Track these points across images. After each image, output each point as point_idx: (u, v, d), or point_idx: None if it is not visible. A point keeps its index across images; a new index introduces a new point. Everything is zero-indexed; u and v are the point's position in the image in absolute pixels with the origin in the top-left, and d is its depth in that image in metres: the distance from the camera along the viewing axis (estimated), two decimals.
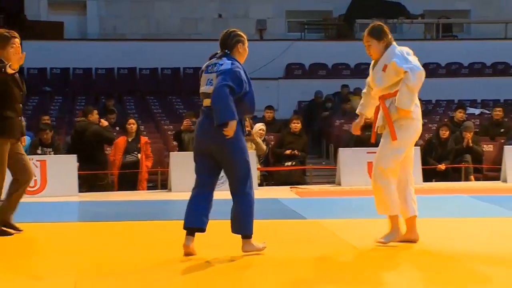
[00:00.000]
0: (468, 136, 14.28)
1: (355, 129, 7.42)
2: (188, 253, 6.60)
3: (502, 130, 15.31)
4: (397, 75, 7.03)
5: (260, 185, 13.34)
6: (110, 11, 24.53)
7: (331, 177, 14.11)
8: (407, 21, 23.88)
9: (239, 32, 6.90)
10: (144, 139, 13.84)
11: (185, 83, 22.10)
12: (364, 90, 7.46)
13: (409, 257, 6.77)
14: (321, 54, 22.61)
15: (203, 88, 6.67)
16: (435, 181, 13.97)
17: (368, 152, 13.36)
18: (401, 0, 24.33)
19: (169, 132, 16.18)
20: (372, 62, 7.27)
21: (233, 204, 6.72)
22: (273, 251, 6.91)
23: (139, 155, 13.49)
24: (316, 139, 17.75)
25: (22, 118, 8.07)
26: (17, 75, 7.73)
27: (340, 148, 13.68)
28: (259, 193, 12.27)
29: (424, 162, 13.75)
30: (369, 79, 7.34)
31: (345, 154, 13.43)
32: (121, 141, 13.41)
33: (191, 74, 22.08)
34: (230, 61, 6.64)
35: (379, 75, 7.12)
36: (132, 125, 13.65)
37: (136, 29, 24.27)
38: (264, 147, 13.78)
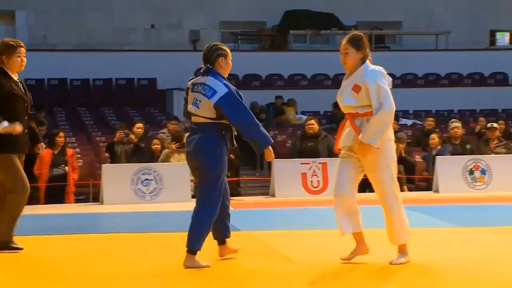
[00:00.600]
0: (401, 147, 14.42)
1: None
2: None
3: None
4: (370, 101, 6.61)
5: (194, 197, 13.27)
6: (40, 21, 24.21)
7: (265, 189, 14.12)
8: (340, 32, 24.07)
9: (221, 46, 6.94)
10: (70, 151, 13.68)
11: (117, 94, 21.89)
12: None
13: (342, 269, 6.78)
14: (255, 65, 22.64)
15: (190, 107, 6.75)
16: (369, 191, 14.06)
17: (302, 164, 13.45)
18: (334, 11, 24.53)
19: (101, 144, 16.00)
20: (346, 74, 6.91)
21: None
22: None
23: (66, 168, 13.32)
24: (251, 150, 17.70)
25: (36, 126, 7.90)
26: (21, 86, 7.56)
27: (274, 159, 13.68)
28: (192, 205, 12.20)
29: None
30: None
31: (279, 166, 13.46)
32: (46, 154, 13.15)
33: (124, 85, 21.89)
34: (218, 81, 6.70)
35: (348, 94, 6.74)
36: (62, 138, 13.51)
37: (67, 39, 23.98)
38: None
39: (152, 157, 13.77)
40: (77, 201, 13.37)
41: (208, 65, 6.79)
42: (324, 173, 13.33)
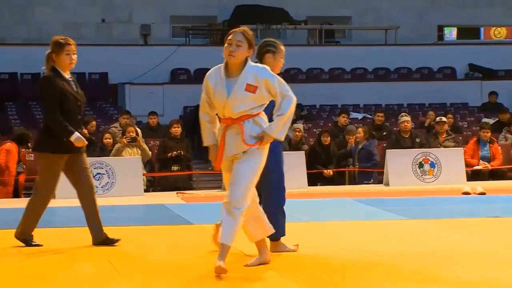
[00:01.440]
0: (351, 140, 14.53)
1: (217, 164, 6.40)
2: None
3: (384, 133, 15.66)
4: (269, 98, 6.16)
5: (146, 191, 13.24)
6: None
7: (217, 182, 14.10)
8: (290, 27, 24.13)
9: (272, 42, 6.93)
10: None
11: None
12: (205, 118, 6.37)
13: (288, 262, 6.81)
14: (206, 59, 22.45)
15: None
16: (320, 185, 14.15)
17: None
18: (285, 6, 24.57)
19: None
20: (222, 75, 6.16)
21: None
22: (159, 257, 6.84)
23: None
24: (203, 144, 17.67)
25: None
26: (73, 84, 7.37)
27: None
28: (145, 199, 12.18)
29: (310, 167, 13.90)
30: (212, 99, 6.21)
31: None
32: (14, 150, 13.18)
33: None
34: None
35: (242, 97, 6.07)
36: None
37: (16, 34, 23.69)
38: (149, 152, 13.77)
39: (104, 151, 13.70)
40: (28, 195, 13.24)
41: (256, 60, 6.74)
42: None
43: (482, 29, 26.56)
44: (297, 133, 14.69)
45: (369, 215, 10.05)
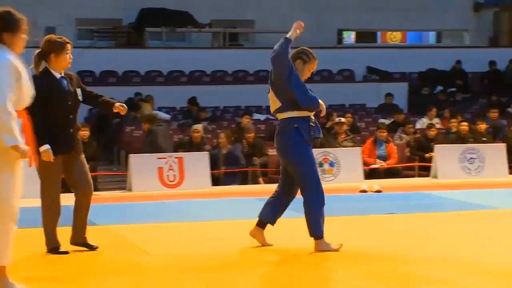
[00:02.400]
0: (249, 137, 14.58)
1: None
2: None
3: None
4: None
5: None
6: None
7: (122, 183, 14.01)
8: (195, 30, 24.11)
9: (306, 51, 7.26)
10: None
11: None
12: None
13: (198, 260, 6.83)
14: (111, 62, 22.38)
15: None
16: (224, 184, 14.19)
17: (158, 158, 13.44)
18: (189, 9, 24.53)
19: None
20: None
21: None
22: (65, 257, 6.78)
23: None
24: (108, 146, 17.54)
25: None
26: (65, 83, 7.07)
27: (130, 154, 13.62)
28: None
29: (214, 167, 13.94)
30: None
31: (136, 160, 13.39)
32: None
33: None
34: None
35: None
36: None
37: None
38: None
39: None
40: None
41: None
42: (180, 167, 13.36)
43: (379, 33, 27.15)
44: (196, 134, 14.60)
45: None
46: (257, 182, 14.18)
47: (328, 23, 25.59)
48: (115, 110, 7.35)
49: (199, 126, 15.18)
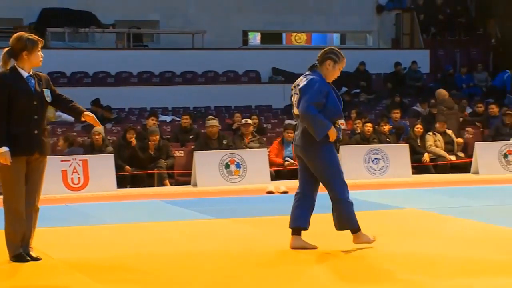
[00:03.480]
0: (154, 139, 14.49)
1: None
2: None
3: (191, 136, 15.78)
4: None
5: None
6: None
7: None
8: (98, 30, 23.82)
9: (336, 51, 7.23)
10: None
11: None
12: None
13: (102, 263, 6.75)
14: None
15: (294, 110, 7.21)
16: (130, 187, 14.08)
17: (62, 161, 13.23)
18: (93, 10, 24.22)
19: None
20: None
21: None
22: None
23: None
24: None
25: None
26: (33, 82, 6.75)
27: None
28: None
29: (118, 168, 13.81)
30: None
31: None
32: None
33: None
34: (310, 77, 7.14)
35: None
36: None
37: None
38: None
39: None
40: None
41: (316, 63, 7.17)
42: (85, 170, 13.19)
43: (284, 35, 27.37)
44: (97, 136, 14.39)
45: (178, 215, 10.12)
46: (163, 184, 14.10)
47: (233, 24, 25.66)
48: (83, 119, 7.17)
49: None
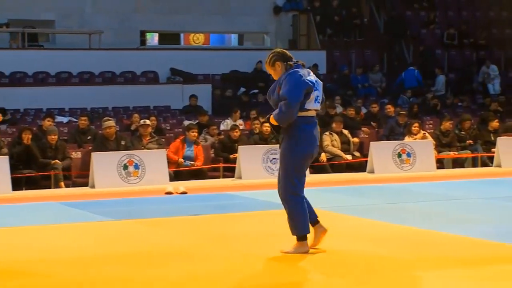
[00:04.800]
0: (52, 138, 14.28)
1: None
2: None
3: (89, 137, 15.60)
4: None
5: None
6: None
7: None
8: None
9: (281, 52, 7.23)
10: None
11: None
12: None
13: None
14: None
15: (315, 105, 7.12)
16: (25, 189, 13.82)
17: None
18: None
19: None
20: None
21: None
22: None
23: None
24: None
25: None
26: None
27: None
28: None
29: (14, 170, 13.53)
30: None
31: None
32: None
33: None
34: None
35: None
36: None
37: None
38: None
39: None
40: None
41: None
42: None
43: (182, 35, 27.35)
44: None
45: (76, 217, 9.99)
46: (59, 186, 13.88)
47: (130, 24, 25.49)
48: None
49: None
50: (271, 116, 7.04)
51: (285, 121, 6.97)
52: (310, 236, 7.06)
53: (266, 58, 7.25)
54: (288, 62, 7.14)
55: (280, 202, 7.08)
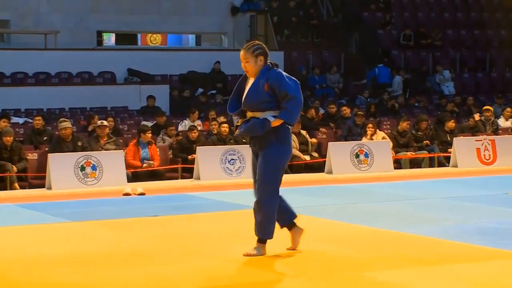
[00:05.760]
0: (7, 141, 14.12)
1: None
2: None
3: (45, 138, 15.45)
4: None
5: None
6: None
7: None
8: None
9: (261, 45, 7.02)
10: None
11: None
12: None
13: None
14: None
15: None
16: None
17: None
18: None
19: None
20: None
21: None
22: None
23: None
24: None
25: None
26: None
27: None
28: None
29: None
30: None
31: None
32: None
33: None
34: None
35: None
36: None
37: None
38: None
39: None
40: None
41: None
42: None
43: (139, 36, 27.21)
44: None
45: (32, 219, 9.89)
46: (13, 188, 13.72)
47: (87, 24, 25.30)
48: None
49: None
50: (271, 120, 6.75)
51: (296, 120, 6.89)
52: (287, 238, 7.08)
53: (248, 46, 6.98)
54: (268, 61, 6.95)
55: (252, 204, 6.92)
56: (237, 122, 7.13)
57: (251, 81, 7.07)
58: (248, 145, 7.11)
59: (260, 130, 6.80)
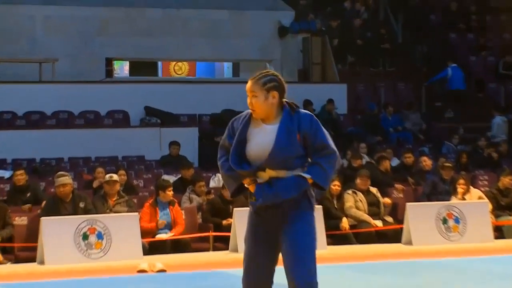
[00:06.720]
0: None
1: None
2: None
3: (28, 194, 15.47)
4: None
5: None
6: None
7: None
8: None
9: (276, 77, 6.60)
10: None
11: None
12: None
13: None
14: None
15: None
16: None
17: None
18: None
19: None
20: None
21: None
22: None
23: None
24: None
25: None
26: None
27: None
28: None
29: None
30: None
31: None
32: None
33: None
34: None
35: None
36: None
37: None
38: None
39: None
40: None
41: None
42: None
43: (160, 64, 27.37)
44: None
45: None
46: None
47: (93, 50, 25.51)
48: None
49: None
50: (313, 179, 6.36)
51: (329, 185, 6.76)
52: None
53: (257, 76, 6.55)
54: (284, 100, 6.48)
55: None
56: (248, 185, 6.61)
57: (259, 125, 6.67)
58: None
59: (294, 192, 6.42)
